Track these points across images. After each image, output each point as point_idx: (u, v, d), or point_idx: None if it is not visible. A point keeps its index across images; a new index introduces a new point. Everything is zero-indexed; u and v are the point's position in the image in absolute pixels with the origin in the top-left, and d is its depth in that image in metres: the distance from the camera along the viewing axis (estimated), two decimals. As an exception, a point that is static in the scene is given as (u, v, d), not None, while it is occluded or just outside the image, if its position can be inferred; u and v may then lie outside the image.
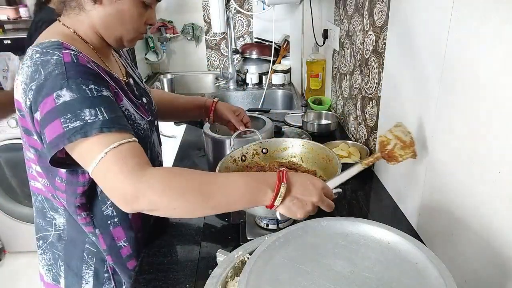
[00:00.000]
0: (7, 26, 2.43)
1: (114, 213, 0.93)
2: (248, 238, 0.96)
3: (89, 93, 0.73)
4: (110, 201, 0.90)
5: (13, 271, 2.44)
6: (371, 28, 1.27)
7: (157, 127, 1.06)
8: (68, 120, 0.70)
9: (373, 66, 1.28)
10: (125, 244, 0.97)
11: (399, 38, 1.07)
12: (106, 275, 0.98)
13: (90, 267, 0.96)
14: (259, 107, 2.26)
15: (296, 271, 0.59)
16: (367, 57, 1.33)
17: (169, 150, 1.82)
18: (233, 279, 0.66)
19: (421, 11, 0.93)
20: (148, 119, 0.96)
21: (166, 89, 2.54)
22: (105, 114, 0.72)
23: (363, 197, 1.22)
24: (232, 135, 1.18)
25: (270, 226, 1.00)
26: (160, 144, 1.10)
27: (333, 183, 0.85)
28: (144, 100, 0.98)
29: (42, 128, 0.73)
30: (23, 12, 2.39)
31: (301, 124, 1.70)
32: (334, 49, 1.77)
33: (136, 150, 0.74)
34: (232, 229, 1.04)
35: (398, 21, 1.07)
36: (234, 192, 0.74)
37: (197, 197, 0.71)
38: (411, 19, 0.99)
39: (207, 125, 1.32)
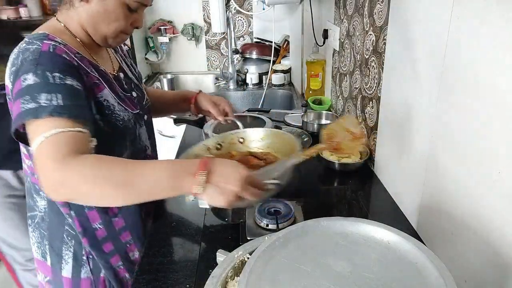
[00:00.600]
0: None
1: None
2: (248, 238, 0.96)
3: (51, 79, 0.77)
4: None
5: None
6: (371, 28, 1.27)
7: (147, 122, 1.09)
8: (26, 102, 0.75)
9: (373, 66, 1.28)
10: (100, 227, 0.99)
11: (399, 38, 1.07)
12: (84, 258, 1.01)
13: (70, 249, 1.00)
14: (259, 107, 2.27)
15: (296, 271, 0.59)
16: (367, 57, 1.33)
17: (169, 150, 1.82)
18: (233, 279, 0.66)
19: (421, 11, 0.93)
20: (134, 112, 0.99)
21: (166, 89, 2.54)
22: (60, 101, 0.76)
23: (363, 197, 1.22)
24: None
25: (270, 226, 1.00)
26: (151, 138, 1.14)
27: (266, 173, 0.79)
28: (134, 94, 1.03)
29: (11, 107, 0.80)
30: (23, 12, 2.39)
31: (301, 124, 1.70)
32: (334, 49, 1.77)
33: (77, 140, 0.75)
34: (232, 229, 1.04)
35: (398, 21, 1.07)
36: (157, 180, 0.73)
37: (119, 185, 0.71)
38: (411, 19, 0.99)
39: (207, 125, 1.33)
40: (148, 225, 1.08)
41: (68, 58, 0.82)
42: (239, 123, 1.23)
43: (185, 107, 1.26)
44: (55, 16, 0.92)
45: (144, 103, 1.08)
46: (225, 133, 1.16)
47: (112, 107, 0.91)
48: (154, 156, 1.17)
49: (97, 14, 0.87)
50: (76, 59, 0.84)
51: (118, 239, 1.03)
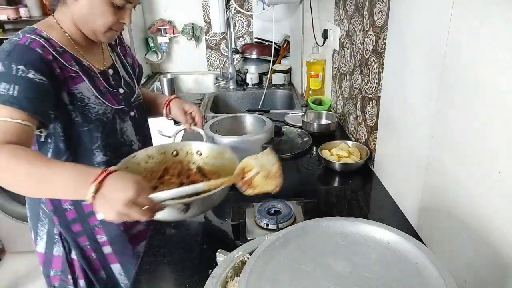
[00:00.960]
0: (7, 26, 2.43)
1: None
2: (248, 238, 0.96)
3: (14, 71, 0.84)
4: None
5: (13, 271, 2.44)
6: (371, 28, 1.27)
7: (134, 118, 1.13)
8: None
9: (373, 66, 1.28)
10: (71, 208, 1.06)
11: (399, 38, 1.07)
12: (56, 236, 1.08)
13: (44, 226, 1.09)
14: (259, 107, 2.27)
15: (296, 271, 0.59)
16: (367, 57, 1.33)
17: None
18: (233, 279, 0.66)
19: (421, 11, 0.93)
20: (116, 107, 1.05)
21: (166, 89, 2.54)
22: (15, 92, 0.83)
23: (363, 197, 1.22)
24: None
25: (270, 226, 1.00)
26: (140, 134, 1.17)
27: (165, 194, 0.78)
28: (121, 90, 1.09)
29: None
30: (23, 12, 2.39)
31: (301, 124, 1.70)
32: (334, 49, 1.77)
33: (12, 130, 0.81)
34: (232, 229, 1.04)
35: (398, 21, 1.07)
36: (60, 183, 0.77)
37: (28, 180, 0.78)
38: (411, 19, 0.99)
39: (207, 125, 1.33)
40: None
41: (42, 52, 0.89)
42: (203, 134, 1.22)
43: (160, 111, 1.27)
44: (53, 15, 1.00)
45: (132, 100, 1.13)
46: (186, 142, 1.17)
47: (87, 99, 0.98)
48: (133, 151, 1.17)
49: (85, 11, 0.94)
50: (53, 53, 0.92)
51: (86, 221, 1.08)
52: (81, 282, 1.13)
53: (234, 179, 0.86)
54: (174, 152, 1.14)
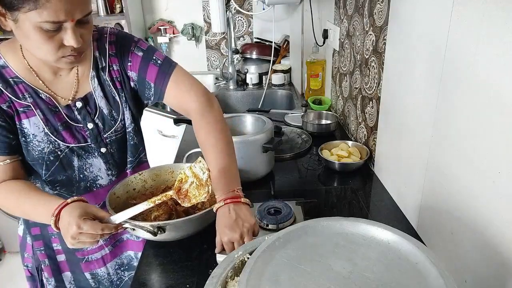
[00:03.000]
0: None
1: (33, 177, 1.01)
2: (248, 238, 0.96)
3: None
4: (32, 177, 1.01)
5: (13, 271, 2.44)
6: (371, 28, 1.27)
7: (105, 154, 1.02)
8: None
9: (373, 66, 1.28)
10: None
11: (399, 38, 1.07)
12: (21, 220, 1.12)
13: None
14: (259, 107, 2.26)
15: (296, 271, 0.59)
16: (367, 57, 1.33)
17: (169, 150, 1.83)
18: (233, 279, 0.66)
19: (421, 11, 0.93)
20: (73, 145, 0.96)
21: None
22: None
23: (363, 197, 1.22)
24: None
25: (270, 226, 1.00)
26: (113, 169, 1.06)
27: (114, 217, 0.84)
28: (90, 126, 0.97)
29: None
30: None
31: (301, 124, 1.70)
32: (334, 49, 1.77)
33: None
34: (232, 229, 1.04)
35: (398, 21, 1.07)
36: (36, 217, 0.91)
37: (14, 212, 0.93)
38: (411, 19, 0.99)
39: None
40: None
41: None
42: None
43: None
44: None
45: (106, 135, 1.00)
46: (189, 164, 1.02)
47: (32, 136, 0.92)
48: (101, 186, 1.08)
49: (23, 40, 0.82)
50: (1, 85, 0.87)
51: (45, 228, 1.07)
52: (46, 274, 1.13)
53: (172, 194, 0.85)
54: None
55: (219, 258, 0.83)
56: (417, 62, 0.97)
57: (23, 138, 0.92)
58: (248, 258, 0.67)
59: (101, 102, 0.98)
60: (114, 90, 0.99)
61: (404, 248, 0.63)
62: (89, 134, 0.98)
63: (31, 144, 0.93)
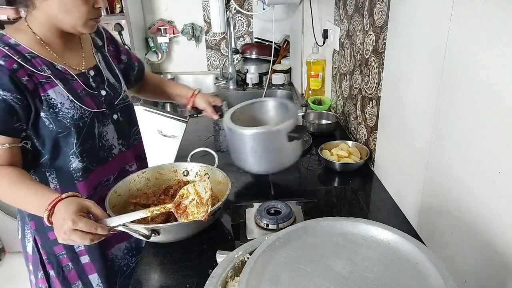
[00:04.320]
0: (7, 26, 2.43)
1: (37, 181, 0.99)
2: (248, 238, 0.96)
3: None
4: (34, 170, 1.01)
5: (13, 271, 2.44)
6: (371, 28, 1.27)
7: (117, 121, 1.10)
8: None
9: (373, 66, 1.28)
10: None
11: (399, 38, 1.07)
12: (28, 235, 1.08)
13: (30, 228, 1.08)
14: (259, 107, 2.26)
15: (296, 271, 0.59)
16: (367, 57, 1.33)
17: (169, 150, 1.83)
18: (233, 279, 0.66)
19: (421, 11, 0.93)
20: (95, 110, 1.03)
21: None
22: None
23: (363, 197, 1.22)
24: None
25: (270, 226, 1.00)
26: (123, 138, 1.14)
27: (108, 221, 0.85)
28: (103, 92, 1.06)
29: None
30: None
31: (301, 124, 1.70)
32: (334, 49, 1.77)
33: None
34: (232, 229, 1.04)
35: (398, 21, 1.07)
36: (28, 207, 0.92)
37: (6, 200, 0.91)
38: (411, 19, 0.99)
39: (227, 116, 1.23)
40: None
41: (4, 63, 0.88)
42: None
43: (181, 102, 1.39)
44: (25, 18, 0.97)
45: (116, 102, 1.10)
46: (194, 163, 1.17)
47: (60, 105, 0.96)
48: (126, 155, 1.17)
49: (58, 7, 0.91)
50: (19, 60, 0.90)
51: None
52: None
53: (171, 208, 0.87)
54: (185, 172, 1.17)
55: (219, 258, 0.83)
56: (417, 62, 0.97)
57: (51, 109, 0.94)
58: (248, 258, 0.67)
59: (106, 73, 1.10)
60: (113, 65, 1.15)
61: (404, 248, 0.63)
62: (104, 100, 1.06)
63: (61, 113, 0.96)
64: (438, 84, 0.85)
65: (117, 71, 1.15)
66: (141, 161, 1.25)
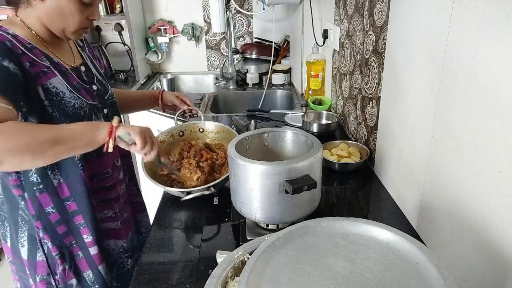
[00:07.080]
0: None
1: (39, 180, 1.00)
2: (248, 238, 0.96)
3: None
4: (35, 169, 0.99)
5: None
6: (371, 28, 1.27)
7: (107, 116, 1.12)
8: None
9: (373, 66, 1.28)
10: (53, 211, 1.04)
11: (399, 38, 1.07)
12: (38, 242, 1.06)
13: (24, 232, 1.06)
14: (259, 107, 2.27)
15: (296, 271, 0.59)
16: (367, 57, 1.33)
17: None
18: (233, 279, 0.66)
19: (421, 11, 0.93)
20: (90, 102, 1.05)
21: (165, 89, 2.54)
22: None
23: (363, 197, 1.22)
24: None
25: (270, 226, 1.00)
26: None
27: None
28: (94, 87, 1.09)
29: None
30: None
31: (301, 124, 1.70)
32: (334, 49, 1.77)
33: (2, 113, 0.83)
34: (232, 229, 1.04)
35: (398, 21, 1.07)
36: (80, 133, 0.88)
37: (26, 145, 0.81)
38: (411, 19, 0.99)
39: (231, 144, 1.17)
40: (99, 214, 1.12)
41: (10, 45, 0.89)
42: (200, 113, 1.45)
43: (150, 104, 1.44)
44: (15, 13, 1.00)
45: (106, 97, 1.13)
46: (187, 123, 1.41)
47: (62, 94, 0.97)
48: (115, 150, 1.12)
49: (53, 11, 0.94)
50: (22, 48, 0.91)
51: (71, 221, 1.07)
52: (73, 282, 1.12)
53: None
54: (180, 133, 1.37)
55: (219, 258, 0.83)
56: (417, 62, 0.97)
57: (54, 98, 0.95)
58: (248, 258, 0.67)
59: (93, 69, 1.13)
60: (96, 64, 1.18)
61: (404, 248, 0.63)
62: (96, 94, 1.08)
63: (63, 101, 0.97)
64: (438, 84, 0.85)
65: (100, 70, 1.18)
66: (124, 159, 1.22)
